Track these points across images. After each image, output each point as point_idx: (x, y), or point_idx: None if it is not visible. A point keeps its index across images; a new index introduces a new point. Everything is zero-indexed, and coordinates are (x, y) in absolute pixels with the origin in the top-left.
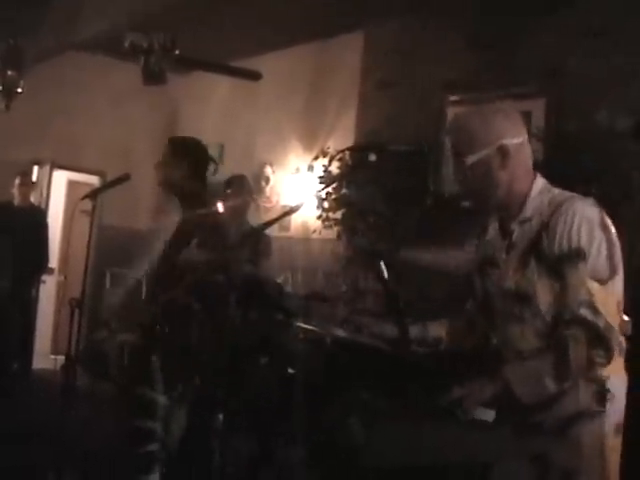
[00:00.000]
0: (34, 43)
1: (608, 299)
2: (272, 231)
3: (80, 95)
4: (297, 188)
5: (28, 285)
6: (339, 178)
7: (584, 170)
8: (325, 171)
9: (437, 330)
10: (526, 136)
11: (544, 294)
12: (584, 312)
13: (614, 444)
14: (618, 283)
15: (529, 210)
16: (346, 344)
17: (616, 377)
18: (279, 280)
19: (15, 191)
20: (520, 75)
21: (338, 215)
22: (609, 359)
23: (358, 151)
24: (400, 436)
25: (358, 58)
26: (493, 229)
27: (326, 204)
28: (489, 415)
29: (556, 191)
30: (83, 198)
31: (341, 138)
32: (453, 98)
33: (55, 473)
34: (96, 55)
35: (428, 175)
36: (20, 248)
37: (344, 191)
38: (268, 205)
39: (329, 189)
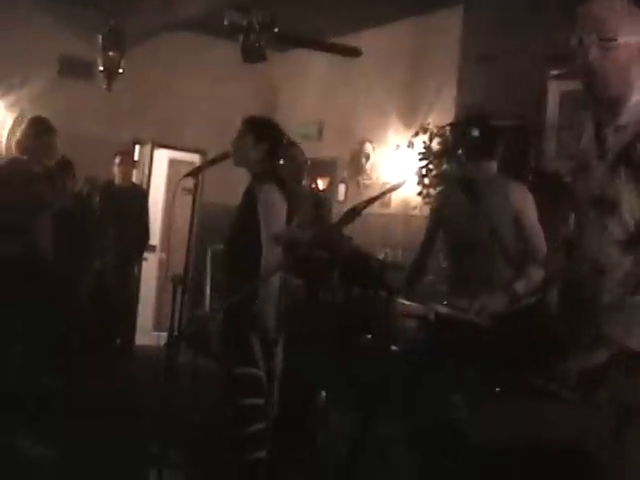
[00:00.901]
0: (134, 24)
1: None
2: (372, 208)
3: (180, 74)
4: (397, 165)
5: (130, 262)
6: (440, 154)
7: None
8: (426, 147)
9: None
10: None
11: (630, 203)
12: None
13: None
14: None
15: (626, 116)
16: (449, 321)
17: None
18: (380, 257)
19: (115, 170)
20: None
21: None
22: None
23: (461, 126)
24: (504, 414)
25: (457, 33)
26: (588, 135)
27: (427, 180)
28: None
29: None
30: (185, 176)
31: (441, 114)
32: (554, 72)
33: (159, 447)
34: (196, 34)
35: (529, 151)
36: (122, 226)
37: (445, 167)
38: (368, 182)
39: (430, 165)
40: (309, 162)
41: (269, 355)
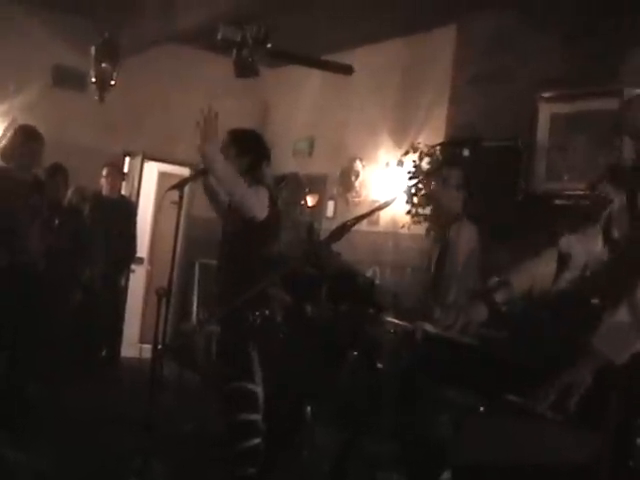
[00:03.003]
0: (129, 36)
1: None
2: (361, 225)
3: (173, 87)
4: (387, 183)
5: (118, 274)
6: (430, 174)
7: None
8: (415, 166)
9: (521, 281)
10: None
11: None
12: None
13: None
14: None
15: None
16: (436, 340)
17: None
18: (367, 274)
19: (103, 182)
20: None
21: (427, 211)
22: None
23: (452, 146)
24: (491, 435)
25: (451, 52)
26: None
27: (416, 199)
28: None
29: None
30: (170, 189)
31: (432, 133)
32: (547, 94)
33: (143, 459)
34: (190, 48)
35: (520, 172)
36: (110, 237)
37: (432, 189)
38: (357, 199)
39: (419, 185)
40: (308, 189)
41: (268, 369)
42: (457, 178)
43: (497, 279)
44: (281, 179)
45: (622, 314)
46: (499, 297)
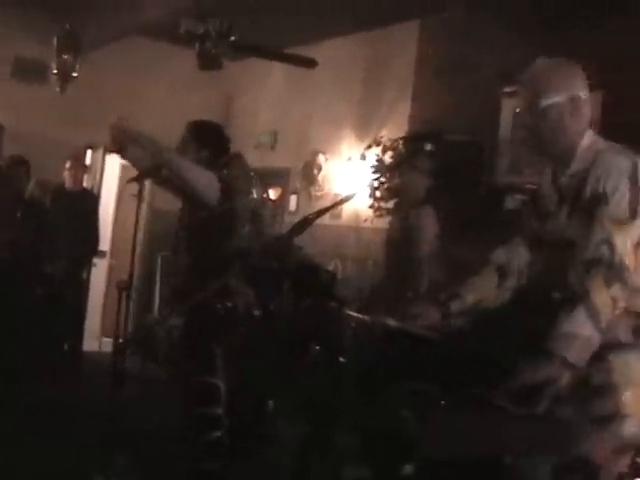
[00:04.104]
0: (92, 28)
1: (626, 240)
2: (324, 219)
3: (137, 80)
4: (349, 177)
5: (80, 267)
6: (393, 167)
7: None
8: (378, 160)
9: (472, 295)
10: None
11: (583, 241)
12: (603, 249)
13: None
14: (637, 227)
15: (576, 164)
16: (397, 333)
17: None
18: (329, 268)
19: (66, 174)
20: None
21: (390, 205)
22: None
23: (415, 140)
24: (454, 428)
25: (414, 47)
26: (546, 182)
27: (378, 193)
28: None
29: (602, 144)
30: (129, 181)
31: (395, 127)
32: (508, 89)
33: (105, 453)
34: (153, 41)
35: (482, 165)
36: (72, 231)
37: (397, 180)
38: (319, 193)
39: (382, 178)
40: (252, 173)
41: (229, 365)
42: (425, 163)
43: (448, 294)
44: (224, 163)
45: (580, 318)
46: (454, 307)
